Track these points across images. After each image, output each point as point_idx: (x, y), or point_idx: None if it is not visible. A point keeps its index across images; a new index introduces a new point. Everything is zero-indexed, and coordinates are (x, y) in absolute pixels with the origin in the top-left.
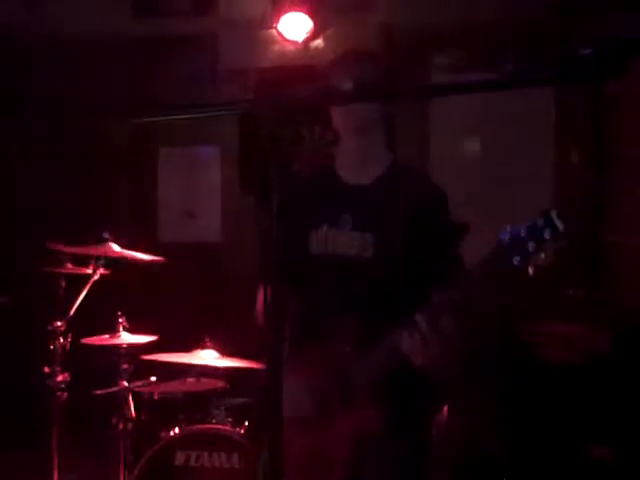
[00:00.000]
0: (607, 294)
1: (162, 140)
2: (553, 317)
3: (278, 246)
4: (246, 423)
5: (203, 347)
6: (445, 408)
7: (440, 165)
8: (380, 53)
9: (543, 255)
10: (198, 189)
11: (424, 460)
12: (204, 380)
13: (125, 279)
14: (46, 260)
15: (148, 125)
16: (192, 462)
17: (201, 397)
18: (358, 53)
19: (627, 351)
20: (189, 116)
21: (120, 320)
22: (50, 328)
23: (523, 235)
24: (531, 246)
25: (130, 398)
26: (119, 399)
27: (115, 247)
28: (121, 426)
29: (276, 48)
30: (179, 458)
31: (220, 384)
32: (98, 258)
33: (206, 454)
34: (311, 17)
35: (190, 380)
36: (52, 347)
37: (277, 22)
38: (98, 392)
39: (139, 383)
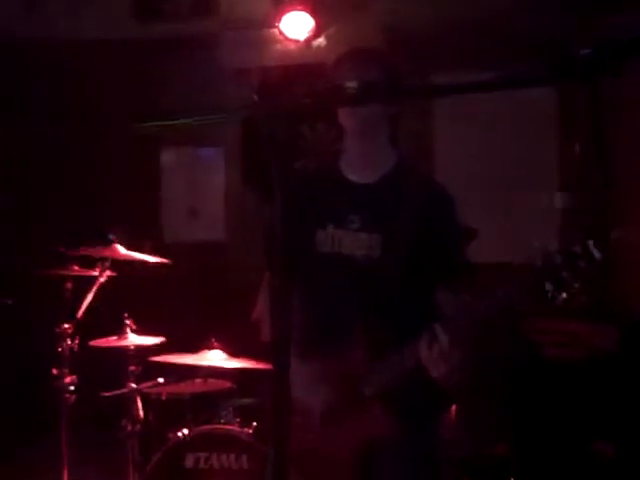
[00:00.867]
0: (612, 291)
1: (165, 141)
2: (558, 315)
3: (283, 244)
4: (254, 423)
5: (210, 348)
6: (453, 408)
7: (444, 163)
8: (384, 52)
9: (577, 285)
10: (202, 189)
11: (435, 463)
12: (211, 381)
13: (131, 281)
14: (52, 262)
15: (152, 126)
16: (201, 463)
17: (209, 398)
18: (363, 52)
19: (634, 348)
20: (192, 121)
21: (127, 322)
22: (58, 330)
23: (558, 262)
24: (566, 275)
25: (138, 400)
26: (127, 401)
27: (121, 249)
28: (129, 428)
29: (278, 47)
30: (189, 460)
31: (227, 385)
32: (104, 260)
33: (215, 455)
34: (313, 16)
35: (198, 381)
36: (60, 349)
37: (279, 21)
38: (106, 394)
39: (147, 384)
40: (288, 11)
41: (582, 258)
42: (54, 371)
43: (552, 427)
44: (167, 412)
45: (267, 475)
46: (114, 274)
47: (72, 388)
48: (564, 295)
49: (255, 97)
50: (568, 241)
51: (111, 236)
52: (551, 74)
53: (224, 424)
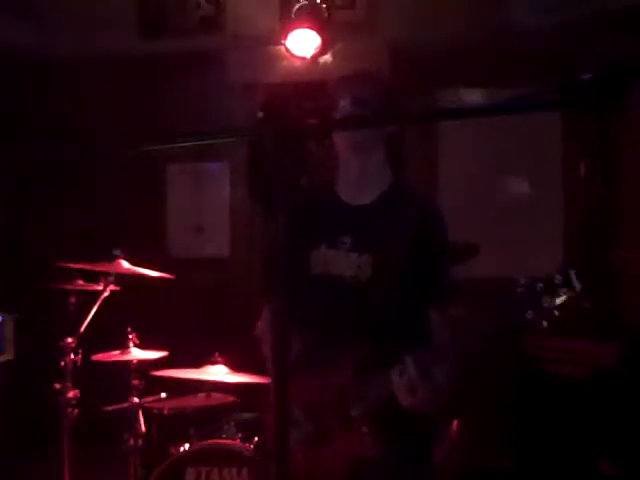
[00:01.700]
0: (614, 308)
1: (171, 156)
2: (560, 332)
3: (285, 263)
4: (256, 438)
5: (213, 363)
6: (455, 422)
7: (448, 183)
8: (381, 75)
9: (556, 312)
10: (207, 204)
11: None
12: (214, 395)
13: (135, 295)
14: (57, 277)
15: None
16: (202, 478)
17: (211, 412)
18: (360, 73)
19: (636, 364)
20: (198, 142)
21: (130, 336)
22: (61, 344)
23: (539, 290)
24: (546, 301)
25: (140, 414)
26: (129, 415)
27: (125, 264)
28: (132, 442)
29: (284, 64)
30: (190, 474)
31: (230, 399)
32: (108, 274)
33: (216, 470)
34: (319, 33)
35: (200, 396)
36: (63, 363)
37: (285, 38)
38: (109, 408)
39: (149, 399)
40: (294, 28)
41: (563, 287)
42: (57, 385)
43: (555, 444)
44: (169, 426)
45: None
46: (118, 288)
47: (74, 402)
48: (544, 323)
49: (260, 114)
50: (566, 261)
51: (116, 251)
52: (552, 99)
53: (226, 439)
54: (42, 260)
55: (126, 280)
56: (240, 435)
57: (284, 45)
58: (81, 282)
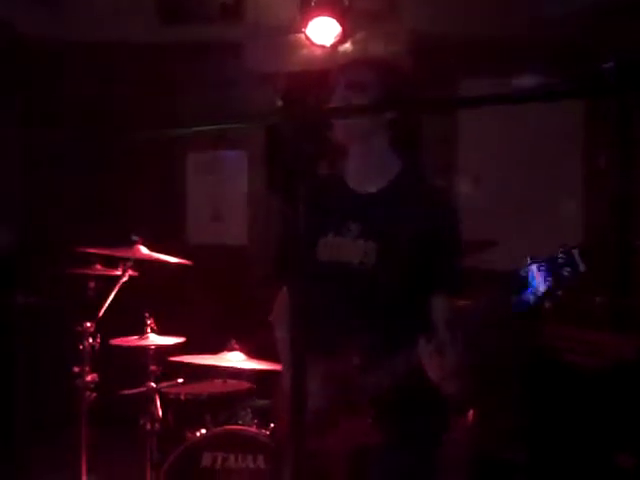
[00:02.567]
0: (635, 300)
1: (190, 145)
2: (581, 323)
3: (300, 251)
4: (272, 425)
5: (230, 349)
6: (470, 412)
7: (467, 171)
8: (396, 61)
9: (560, 292)
10: (225, 193)
11: (430, 473)
12: (230, 382)
13: (153, 281)
14: (76, 262)
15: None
16: (218, 463)
17: (227, 398)
18: (357, 60)
19: None
20: (217, 127)
21: (148, 322)
22: (79, 329)
23: (542, 269)
24: (548, 282)
25: (157, 399)
26: (146, 400)
27: (143, 249)
28: (148, 426)
29: (304, 53)
30: (206, 459)
31: (246, 386)
32: (127, 260)
33: (232, 455)
34: (339, 21)
35: (217, 381)
36: (81, 347)
37: (305, 27)
38: (126, 392)
39: (166, 384)
40: (315, 16)
41: (565, 266)
42: (75, 369)
43: (571, 435)
44: (186, 412)
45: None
46: (136, 274)
47: (92, 386)
48: (547, 304)
49: (280, 102)
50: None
51: (134, 237)
52: (574, 88)
53: (242, 425)
54: (62, 245)
55: (144, 266)
56: (256, 421)
57: (304, 33)
58: (100, 267)
